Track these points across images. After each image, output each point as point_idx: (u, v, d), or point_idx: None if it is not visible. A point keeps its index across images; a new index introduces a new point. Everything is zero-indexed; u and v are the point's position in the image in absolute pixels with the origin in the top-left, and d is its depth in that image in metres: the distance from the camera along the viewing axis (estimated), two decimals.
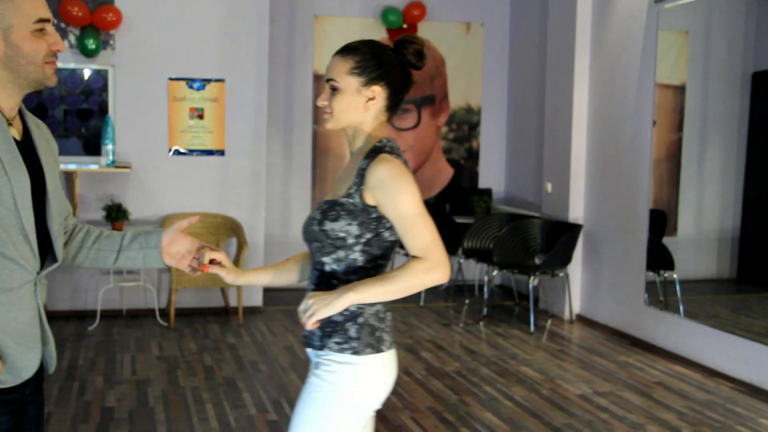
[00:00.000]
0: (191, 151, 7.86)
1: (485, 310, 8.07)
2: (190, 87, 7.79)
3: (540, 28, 8.82)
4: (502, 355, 6.64)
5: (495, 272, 8.37)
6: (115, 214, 7.30)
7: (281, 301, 8.36)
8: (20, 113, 2.34)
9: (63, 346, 6.64)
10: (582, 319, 7.89)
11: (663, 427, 5.09)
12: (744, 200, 7.12)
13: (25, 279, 2.26)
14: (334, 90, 2.52)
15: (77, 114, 12.16)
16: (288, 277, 2.79)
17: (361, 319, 2.48)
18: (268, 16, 7.96)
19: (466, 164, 9.61)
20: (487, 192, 9.45)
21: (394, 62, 2.55)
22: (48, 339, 2.38)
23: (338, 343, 2.47)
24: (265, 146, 8.08)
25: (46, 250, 2.35)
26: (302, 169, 9.07)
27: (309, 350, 2.59)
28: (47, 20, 2.25)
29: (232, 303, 7.97)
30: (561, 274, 7.84)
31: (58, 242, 2.37)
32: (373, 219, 2.48)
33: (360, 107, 2.52)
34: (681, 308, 6.92)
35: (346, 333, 2.47)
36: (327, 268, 2.52)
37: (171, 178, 7.80)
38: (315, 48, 9.00)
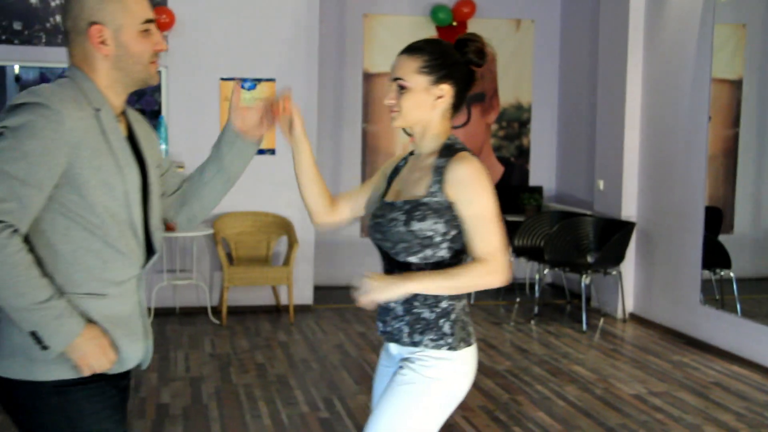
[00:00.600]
0: None
1: (536, 309, 8.01)
2: (242, 87, 7.81)
3: (591, 24, 8.72)
4: (554, 354, 6.58)
5: (546, 270, 8.30)
6: None
7: (332, 299, 8.38)
8: (124, 110, 2.42)
9: None
10: (635, 318, 7.79)
11: (721, 428, 5.00)
12: None
13: (132, 273, 2.35)
14: (402, 89, 2.55)
15: None
16: (314, 188, 2.73)
17: (453, 316, 2.55)
18: (318, 16, 7.98)
19: (516, 162, 9.55)
20: (538, 190, 9.37)
21: (460, 61, 2.59)
22: (149, 333, 2.47)
23: (433, 340, 2.53)
24: (316, 145, 8.10)
25: (147, 244, 2.43)
26: (352, 168, 9.07)
27: (393, 345, 2.64)
28: (152, 21, 2.32)
29: (283, 301, 8.00)
30: (614, 273, 7.75)
31: (156, 235, 2.44)
32: (456, 215, 2.52)
33: (428, 105, 2.56)
34: (738, 307, 6.80)
35: (440, 329, 2.54)
36: (414, 267, 2.55)
37: None
38: (364, 46, 9.00)
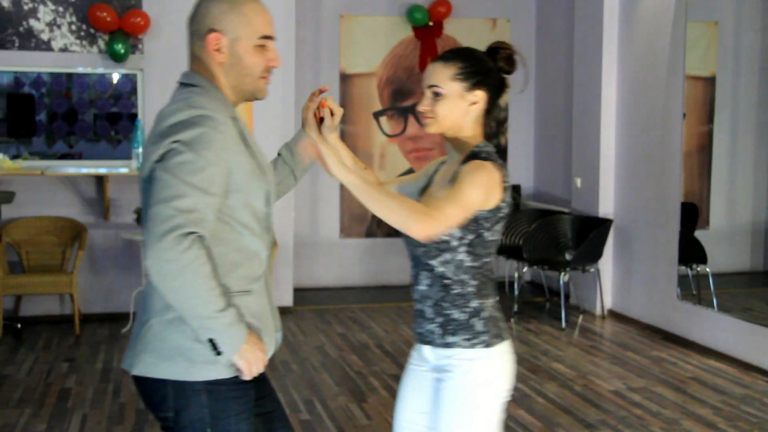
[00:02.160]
0: None
1: (516, 307, 8.02)
2: None
3: (566, 23, 8.75)
4: (533, 352, 6.60)
5: (525, 269, 8.33)
6: None
7: (311, 301, 8.37)
8: None
9: (97, 348, 6.69)
10: (614, 315, 7.83)
11: (698, 422, 5.03)
12: None
13: (264, 268, 2.46)
14: (437, 95, 2.57)
15: (107, 118, 12.22)
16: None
17: (484, 314, 2.55)
18: (294, 16, 7.96)
19: None
20: (516, 188, 9.39)
21: (493, 68, 2.60)
22: (279, 326, 2.56)
23: (467, 339, 2.54)
24: None
25: None
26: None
27: (425, 348, 2.64)
28: (271, 38, 2.42)
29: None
30: (592, 270, 7.79)
31: (273, 228, 2.54)
32: (471, 221, 2.51)
33: (462, 111, 2.58)
34: (714, 302, 6.84)
35: (473, 328, 2.54)
36: (437, 270, 2.57)
37: None
38: (341, 47, 8.99)
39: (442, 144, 9.45)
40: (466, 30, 9.25)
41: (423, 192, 2.74)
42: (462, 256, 2.54)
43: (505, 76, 2.64)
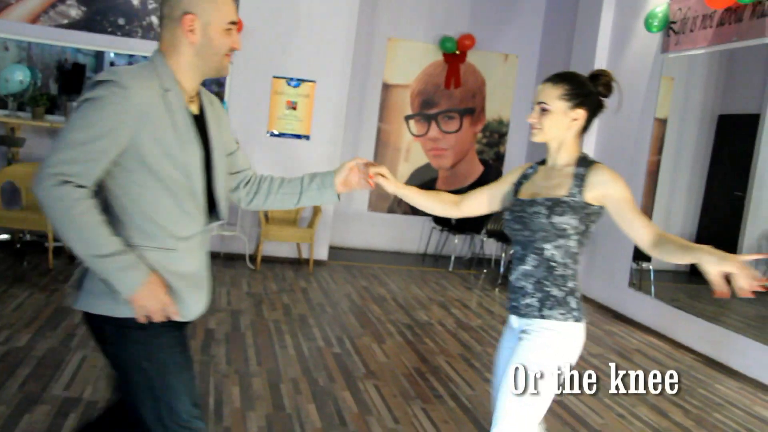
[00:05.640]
0: (284, 134, 7.74)
1: (500, 279, 7.91)
2: (289, 84, 7.65)
3: (564, 63, 8.56)
4: None
5: (511, 250, 8.20)
6: None
7: (342, 257, 8.26)
8: (198, 92, 2.23)
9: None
10: None
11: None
12: (701, 213, 7.07)
13: (195, 230, 2.15)
14: (544, 111, 2.42)
15: None
16: (428, 204, 2.69)
17: (577, 294, 2.41)
18: (354, 35, 7.79)
19: (493, 164, 9.41)
20: None
21: (593, 91, 2.45)
22: (209, 286, 2.27)
23: (563, 314, 2.37)
24: (342, 135, 7.94)
25: (212, 208, 2.24)
26: (366, 156, 8.90)
27: (515, 319, 2.47)
28: (235, 23, 2.17)
29: (304, 255, 7.87)
30: None
31: (222, 204, 2.25)
32: (588, 215, 2.38)
33: (564, 126, 2.43)
34: (653, 291, 6.76)
35: (568, 305, 2.38)
36: (547, 253, 2.40)
37: (268, 154, 7.68)
38: (386, 63, 8.82)
39: (456, 146, 9.34)
40: (484, 60, 9.08)
41: (516, 193, 2.56)
42: (572, 243, 2.38)
43: (603, 99, 2.49)
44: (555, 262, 2.40)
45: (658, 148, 7.10)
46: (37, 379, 3.85)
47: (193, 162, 2.10)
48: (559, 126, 2.43)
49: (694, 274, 7.02)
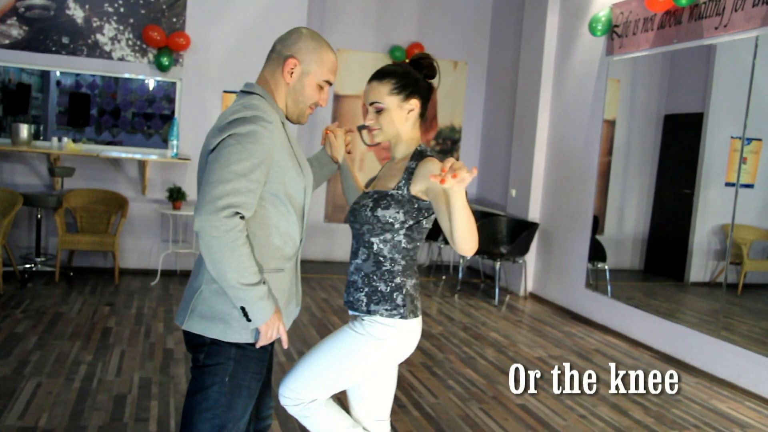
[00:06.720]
0: None
1: (458, 286, 7.94)
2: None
3: (512, 67, 8.66)
4: (474, 322, 6.51)
5: (468, 256, 8.24)
6: (176, 195, 7.10)
7: (301, 270, 8.19)
8: None
9: (132, 296, 6.46)
10: (534, 297, 7.78)
11: (603, 385, 4.97)
12: (652, 211, 7.14)
13: (296, 249, 2.32)
14: (379, 110, 2.39)
15: (143, 116, 11.98)
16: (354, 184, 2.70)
17: (404, 290, 2.37)
18: None
19: None
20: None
21: (419, 77, 2.43)
22: (299, 300, 2.42)
23: (387, 310, 2.35)
24: None
25: None
26: None
27: (353, 313, 2.46)
28: (330, 83, 2.32)
29: None
30: (520, 261, 7.73)
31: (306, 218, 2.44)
32: (415, 209, 2.34)
33: (402, 119, 2.41)
34: (609, 291, 6.83)
35: (394, 301, 2.35)
36: (375, 247, 2.37)
37: None
38: (337, 74, 8.81)
39: None
40: None
41: (368, 185, 2.56)
42: (400, 237, 2.35)
43: (430, 81, 2.48)
44: (383, 256, 2.37)
45: (608, 149, 7.21)
46: None
47: (309, 185, 2.29)
48: (396, 121, 2.40)
49: (647, 272, 7.20)
